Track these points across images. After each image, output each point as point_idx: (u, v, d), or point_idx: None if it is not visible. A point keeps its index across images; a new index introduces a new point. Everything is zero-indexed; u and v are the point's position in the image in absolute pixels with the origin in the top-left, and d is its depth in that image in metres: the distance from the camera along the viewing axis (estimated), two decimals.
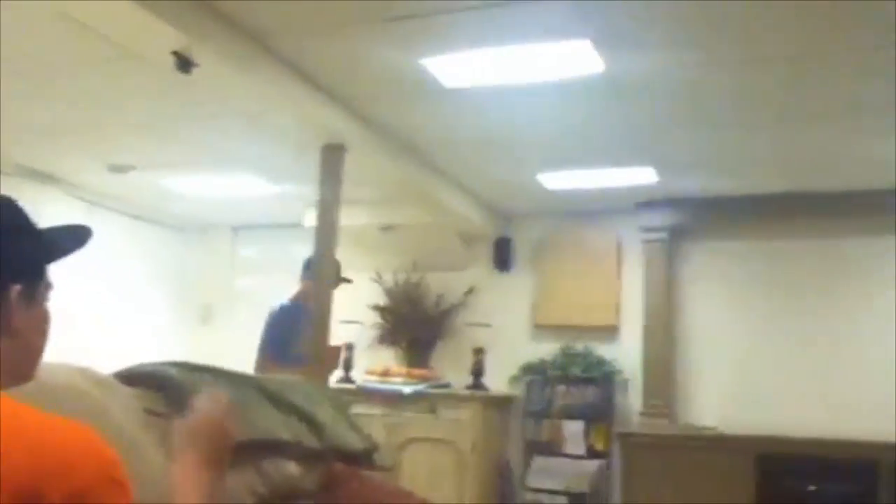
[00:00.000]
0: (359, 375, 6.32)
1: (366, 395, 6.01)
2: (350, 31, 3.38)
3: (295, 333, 4.39)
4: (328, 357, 4.53)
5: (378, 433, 5.77)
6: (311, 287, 4.48)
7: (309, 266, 4.59)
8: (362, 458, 1.48)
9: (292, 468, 1.24)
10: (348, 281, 4.78)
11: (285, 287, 4.89)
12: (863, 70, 3.57)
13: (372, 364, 6.37)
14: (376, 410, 5.95)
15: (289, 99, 3.89)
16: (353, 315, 6.38)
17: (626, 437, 5.61)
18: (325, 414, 1.41)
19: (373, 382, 6.14)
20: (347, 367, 6.38)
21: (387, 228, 5.97)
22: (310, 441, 1.32)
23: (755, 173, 5.24)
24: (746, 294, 5.90)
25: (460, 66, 3.69)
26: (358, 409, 5.93)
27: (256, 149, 4.98)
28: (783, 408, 5.54)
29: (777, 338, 5.74)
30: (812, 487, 5.06)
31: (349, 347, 6.43)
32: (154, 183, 5.93)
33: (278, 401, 1.33)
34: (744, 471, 5.13)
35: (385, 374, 6.18)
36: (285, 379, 1.45)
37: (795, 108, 4.07)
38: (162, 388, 1.08)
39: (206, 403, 1.07)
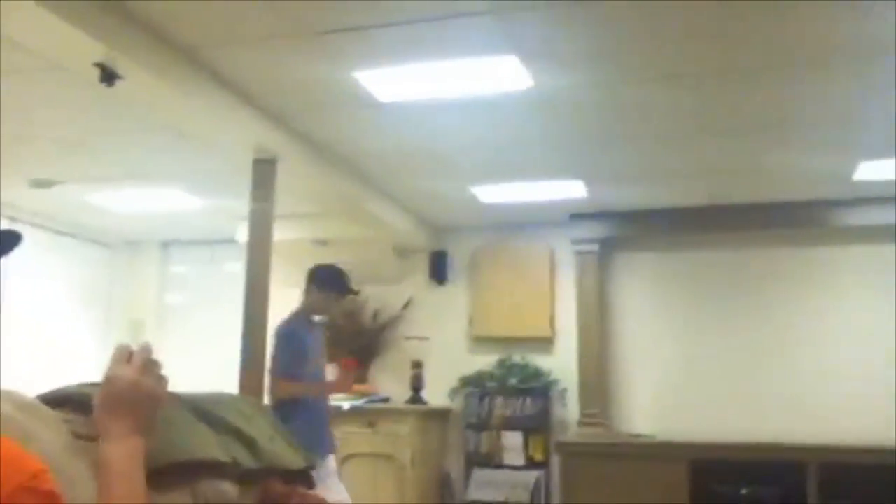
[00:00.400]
0: None
1: None
2: (280, 43, 3.35)
3: (296, 352, 4.11)
4: (345, 372, 4.35)
5: None
6: (321, 300, 4.23)
7: (317, 277, 4.27)
8: (300, 476, 1.44)
9: (229, 489, 1.20)
10: (356, 292, 4.55)
11: (219, 303, 4.79)
12: (778, 86, 3.70)
13: None
14: None
15: (218, 112, 3.82)
16: None
17: (563, 447, 5.66)
18: (261, 432, 1.37)
19: None
20: None
21: (321, 243, 5.92)
22: (246, 460, 1.28)
23: (679, 186, 5.38)
24: (675, 303, 6.04)
25: (393, 80, 3.69)
26: None
27: (185, 163, 4.89)
28: (714, 413, 5.70)
29: (706, 345, 5.90)
30: (744, 491, 5.17)
31: None
32: (79, 198, 5.76)
33: (213, 420, 1.29)
34: (678, 477, 5.21)
35: None
36: (220, 397, 1.41)
37: (716, 123, 4.19)
38: (89, 410, 1.04)
39: (120, 365, 1.01)
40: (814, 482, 4.93)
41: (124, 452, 0.98)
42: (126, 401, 1.00)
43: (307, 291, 4.24)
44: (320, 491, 3.90)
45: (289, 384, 4.03)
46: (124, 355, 1.03)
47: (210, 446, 1.21)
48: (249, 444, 1.31)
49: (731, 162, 4.86)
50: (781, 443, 5.12)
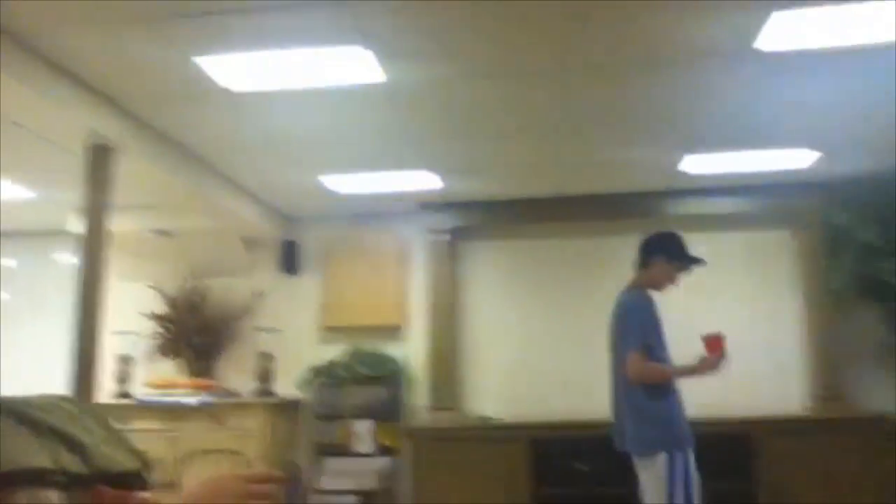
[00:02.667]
0: (137, 389, 5.98)
1: (146, 409, 5.71)
2: (116, 28, 3.20)
3: (654, 328, 3.67)
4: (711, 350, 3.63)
5: (160, 449, 5.57)
6: (669, 271, 3.76)
7: (666, 247, 3.80)
8: (134, 478, 1.39)
9: (54, 497, 1.16)
10: (703, 262, 3.89)
11: (51, 298, 4.51)
12: (613, 85, 3.91)
13: (153, 376, 6.07)
14: (158, 425, 5.70)
15: (50, 99, 3.59)
16: (127, 325, 6.04)
17: (412, 433, 5.76)
18: (91, 434, 1.32)
19: (153, 396, 5.84)
20: (124, 380, 6.03)
21: (164, 234, 5.69)
22: (74, 466, 1.23)
23: (526, 178, 5.58)
24: (521, 290, 6.27)
25: (239, 69, 3.61)
26: (137, 424, 5.65)
27: (12, 151, 4.56)
28: (554, 394, 5.97)
29: (548, 330, 6.16)
30: (582, 466, 5.46)
31: (126, 360, 6.08)
32: None
33: (36, 425, 1.23)
34: (520, 455, 5.44)
35: (166, 386, 5.91)
36: (45, 399, 1.35)
37: (558, 118, 4.37)
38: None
39: None
40: None
41: None
42: None
43: (648, 264, 3.81)
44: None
45: (656, 369, 3.59)
46: None
47: (34, 454, 1.16)
48: (78, 447, 1.26)
49: (572, 155, 5.08)
50: (610, 420, 5.42)
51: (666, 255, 3.79)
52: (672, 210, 5.81)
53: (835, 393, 5.69)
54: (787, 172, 5.44)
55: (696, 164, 5.25)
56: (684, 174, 5.44)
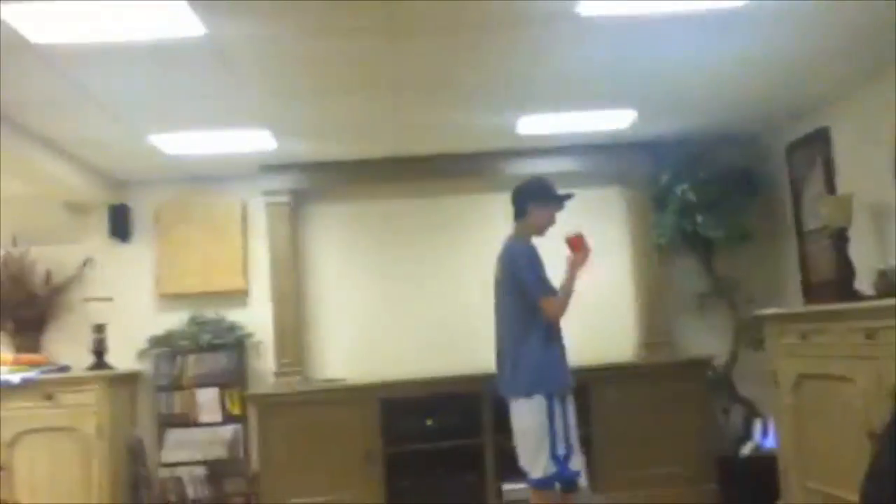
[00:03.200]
0: None
1: None
2: None
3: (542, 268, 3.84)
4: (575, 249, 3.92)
5: None
6: (545, 216, 3.95)
7: (533, 193, 3.98)
8: None
9: None
10: (571, 196, 4.07)
11: None
12: (450, 47, 3.92)
13: None
14: None
15: None
16: None
17: (257, 398, 5.68)
18: None
19: None
20: None
21: None
22: None
23: (366, 139, 5.54)
24: (363, 251, 6.27)
25: (48, 20, 3.33)
26: None
27: None
28: (401, 353, 6.05)
29: (392, 290, 6.21)
30: (429, 422, 5.59)
31: None
32: None
33: None
34: (370, 415, 5.49)
35: None
36: None
37: (396, 80, 4.34)
38: None
39: None
40: (487, 409, 5.46)
41: None
42: None
43: (524, 213, 3.96)
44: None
45: (560, 299, 3.80)
46: None
47: None
48: None
49: (409, 116, 5.08)
50: (457, 375, 5.59)
51: (537, 201, 3.98)
52: (509, 170, 5.95)
53: (663, 340, 6.09)
54: (614, 133, 5.70)
55: (529, 126, 5.39)
56: (520, 135, 5.58)
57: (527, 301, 3.84)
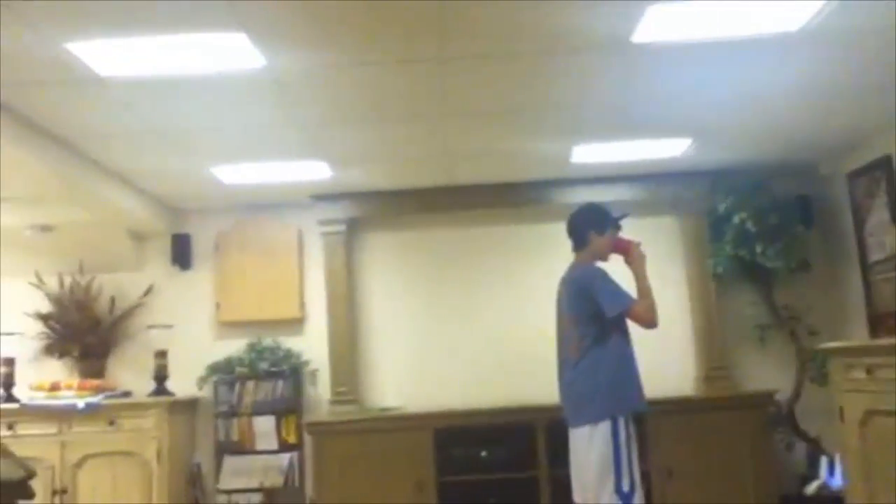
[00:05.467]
0: (23, 392, 5.73)
1: (33, 413, 5.49)
2: None
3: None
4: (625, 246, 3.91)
5: (50, 454, 5.37)
6: (606, 241, 3.91)
7: (589, 221, 3.94)
8: (17, 488, 1.32)
9: None
10: (627, 214, 4.10)
11: None
12: (506, 75, 3.94)
13: (39, 378, 5.82)
14: (46, 430, 5.50)
15: None
16: (10, 325, 5.79)
17: (314, 427, 5.72)
18: None
19: (40, 399, 5.61)
20: (8, 384, 5.76)
21: (45, 228, 5.45)
22: None
23: (419, 167, 5.58)
24: (418, 280, 6.29)
25: (115, 54, 3.47)
26: (24, 430, 5.43)
27: None
28: (455, 382, 6.03)
29: (446, 319, 6.21)
30: (483, 453, 5.54)
31: (9, 362, 5.81)
32: None
33: None
34: (423, 445, 5.48)
35: (53, 388, 5.68)
36: None
37: (451, 108, 4.38)
38: None
39: None
40: (542, 440, 5.39)
41: None
42: None
43: (584, 242, 3.92)
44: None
45: (646, 301, 3.71)
46: None
47: None
48: None
49: (466, 145, 5.12)
50: (511, 406, 5.54)
51: (596, 228, 3.94)
52: (563, 199, 5.92)
53: (722, 373, 5.95)
54: (669, 161, 5.64)
55: (584, 154, 5.38)
56: (574, 164, 5.57)
57: (599, 323, 3.72)
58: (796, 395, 5.79)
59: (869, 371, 4.11)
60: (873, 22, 3.48)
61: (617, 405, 3.68)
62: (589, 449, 3.68)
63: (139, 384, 5.96)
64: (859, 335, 5.48)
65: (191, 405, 6.06)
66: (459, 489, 5.42)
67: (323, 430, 5.65)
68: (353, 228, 6.27)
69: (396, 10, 3.19)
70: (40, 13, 3.06)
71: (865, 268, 5.55)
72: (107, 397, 5.66)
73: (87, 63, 3.50)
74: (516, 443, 5.53)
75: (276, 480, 5.86)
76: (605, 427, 3.65)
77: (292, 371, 6.05)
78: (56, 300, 6.06)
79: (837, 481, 5.11)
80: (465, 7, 3.19)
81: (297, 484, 5.91)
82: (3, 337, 5.82)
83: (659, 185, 6.01)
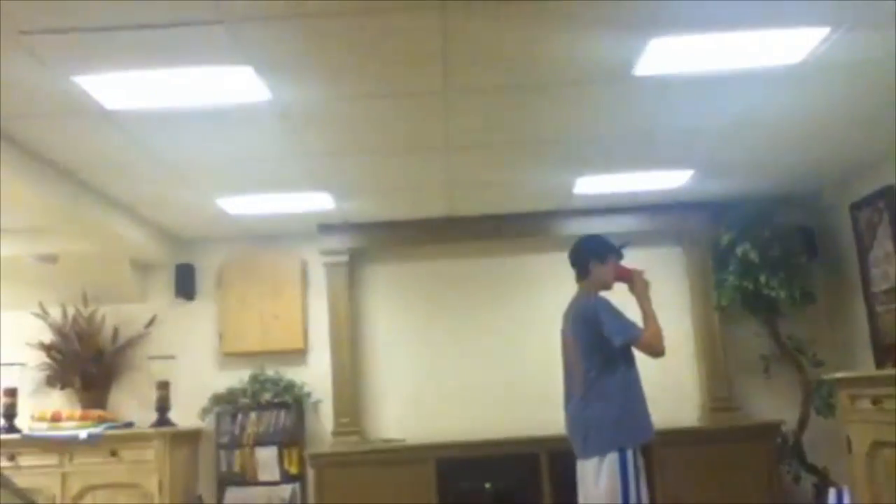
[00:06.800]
0: (25, 423, 5.71)
1: (34, 444, 5.46)
2: None
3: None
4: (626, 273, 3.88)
5: (52, 485, 5.33)
6: (607, 271, 3.87)
7: (591, 251, 3.90)
8: None
9: None
10: (628, 243, 4.09)
11: None
12: (507, 107, 3.97)
13: (41, 409, 5.80)
14: (48, 461, 5.46)
15: None
16: (12, 356, 5.78)
17: (316, 458, 5.68)
18: None
19: (42, 430, 5.58)
20: (10, 414, 5.74)
21: (49, 259, 5.46)
22: None
23: (420, 199, 5.61)
24: (419, 310, 6.29)
25: (121, 88, 3.51)
26: (26, 461, 5.40)
27: None
28: (457, 413, 6.00)
29: (448, 350, 6.19)
30: (487, 484, 5.50)
31: (11, 392, 5.79)
32: None
33: None
34: (426, 476, 5.44)
35: (55, 419, 5.66)
36: None
37: (452, 140, 4.41)
38: None
39: None
40: (546, 471, 5.35)
41: None
42: None
43: (587, 273, 3.89)
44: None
45: (652, 328, 3.67)
46: None
47: None
48: None
49: (469, 176, 5.15)
50: (514, 437, 5.50)
51: (597, 258, 3.92)
52: (566, 230, 5.93)
53: (727, 404, 5.91)
54: (672, 192, 5.65)
55: (587, 185, 5.40)
56: (577, 195, 5.59)
57: (605, 353, 3.69)
58: (802, 425, 5.75)
59: (875, 401, 4.08)
60: (874, 53, 3.52)
61: (625, 436, 3.66)
62: (597, 480, 3.65)
63: (141, 415, 5.93)
64: (865, 366, 5.45)
65: (193, 436, 6.03)
66: None
67: (326, 462, 5.62)
68: (357, 259, 6.28)
69: (400, 44, 3.23)
70: (49, 47, 3.09)
71: (869, 298, 5.54)
72: (109, 428, 5.63)
73: (94, 96, 3.54)
74: (519, 473, 5.49)
75: None
76: (613, 458, 3.62)
77: (295, 402, 6.02)
78: (59, 331, 6.05)
79: None
80: (469, 41, 3.23)
81: None
82: (5, 367, 5.81)
83: (662, 216, 6.02)
